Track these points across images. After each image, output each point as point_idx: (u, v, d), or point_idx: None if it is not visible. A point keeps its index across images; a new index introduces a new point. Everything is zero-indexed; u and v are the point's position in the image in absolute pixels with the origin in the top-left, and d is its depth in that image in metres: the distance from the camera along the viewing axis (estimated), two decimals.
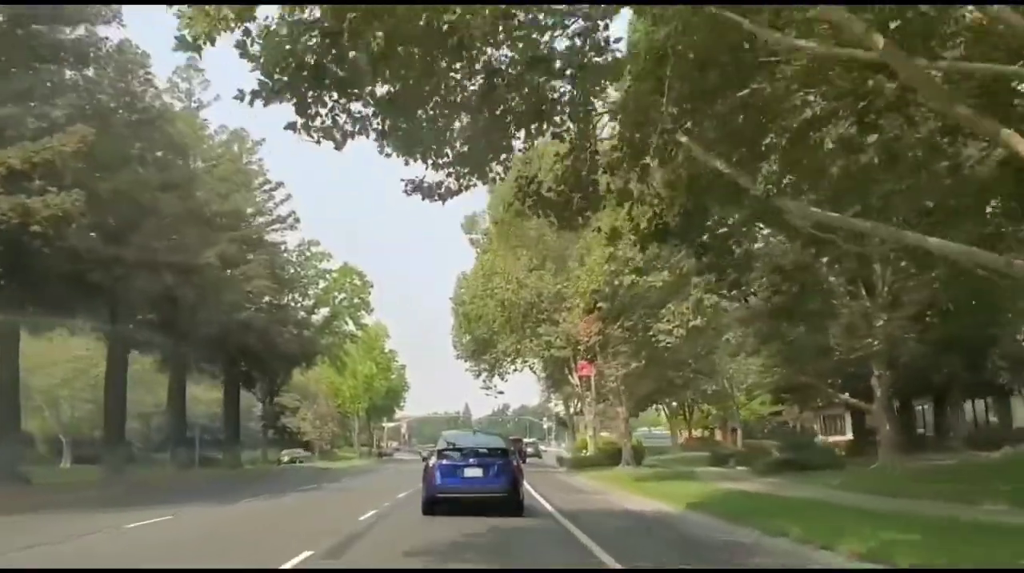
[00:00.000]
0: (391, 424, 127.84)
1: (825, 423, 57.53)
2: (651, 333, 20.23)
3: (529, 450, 59.17)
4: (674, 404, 61.30)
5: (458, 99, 8.60)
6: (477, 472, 14.22)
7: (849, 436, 47.51)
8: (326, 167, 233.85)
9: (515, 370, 52.57)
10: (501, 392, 53.98)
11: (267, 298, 37.21)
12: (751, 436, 74.03)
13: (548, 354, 33.85)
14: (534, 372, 57.89)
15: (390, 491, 22.16)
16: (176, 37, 6.64)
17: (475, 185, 10.93)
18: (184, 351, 30.10)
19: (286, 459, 50.06)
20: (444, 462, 14.38)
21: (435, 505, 14.18)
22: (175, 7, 6.65)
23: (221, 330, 30.17)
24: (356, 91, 7.89)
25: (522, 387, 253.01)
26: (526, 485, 16.79)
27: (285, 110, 7.87)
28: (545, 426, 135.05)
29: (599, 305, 21.91)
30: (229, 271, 30.19)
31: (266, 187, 40.57)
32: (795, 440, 30.94)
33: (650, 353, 22.22)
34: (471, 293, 40.21)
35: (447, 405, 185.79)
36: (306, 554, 9.43)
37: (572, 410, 56.58)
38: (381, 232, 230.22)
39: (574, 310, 33.10)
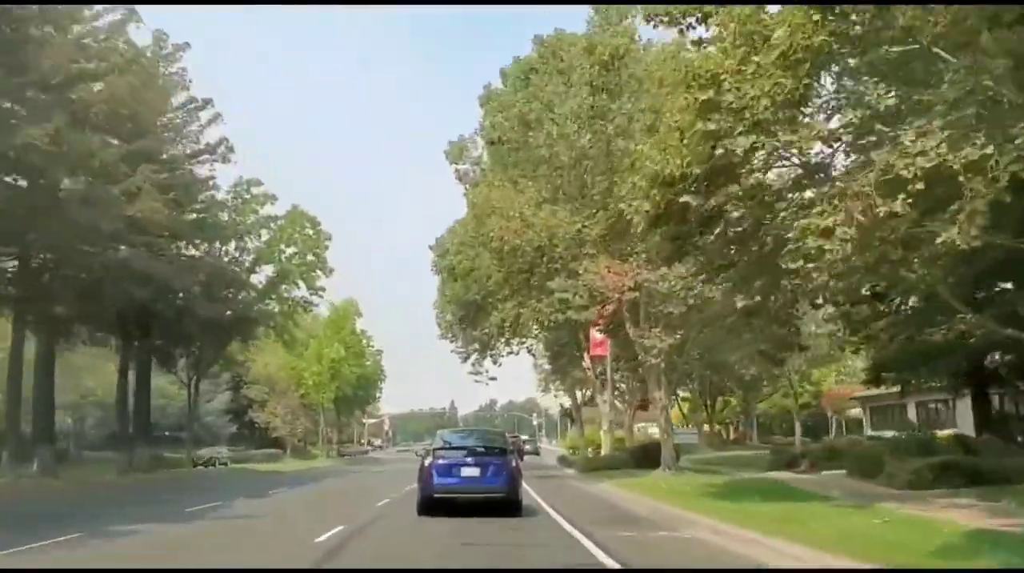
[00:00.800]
0: (372, 420, 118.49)
1: (873, 415, 48.54)
2: (782, 234, 10.80)
3: (527, 448, 56.37)
4: (699, 392, 52.06)
5: None
6: (474, 471, 13.73)
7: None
8: (279, 110, 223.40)
9: (510, 353, 43.33)
10: (493, 378, 44.66)
11: (181, 244, 27.53)
12: (770, 432, 65.11)
13: (564, 317, 24.44)
14: (532, 355, 48.59)
15: (321, 521, 12.82)
16: None
17: None
18: (36, 303, 20.39)
19: (204, 460, 40.84)
20: (441, 461, 13.91)
21: (431, 506, 13.57)
22: None
23: (87, 271, 20.52)
24: None
25: (510, 382, 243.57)
26: (544, 506, 15.61)
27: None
28: (535, 422, 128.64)
29: (684, 199, 12.37)
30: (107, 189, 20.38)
31: (190, 106, 30.78)
32: (919, 437, 21.65)
33: (770, 280, 12.79)
34: (459, 241, 30.74)
35: (432, 402, 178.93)
36: None
37: (581, 400, 47.38)
38: (351, 204, 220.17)
39: (600, 256, 23.89)
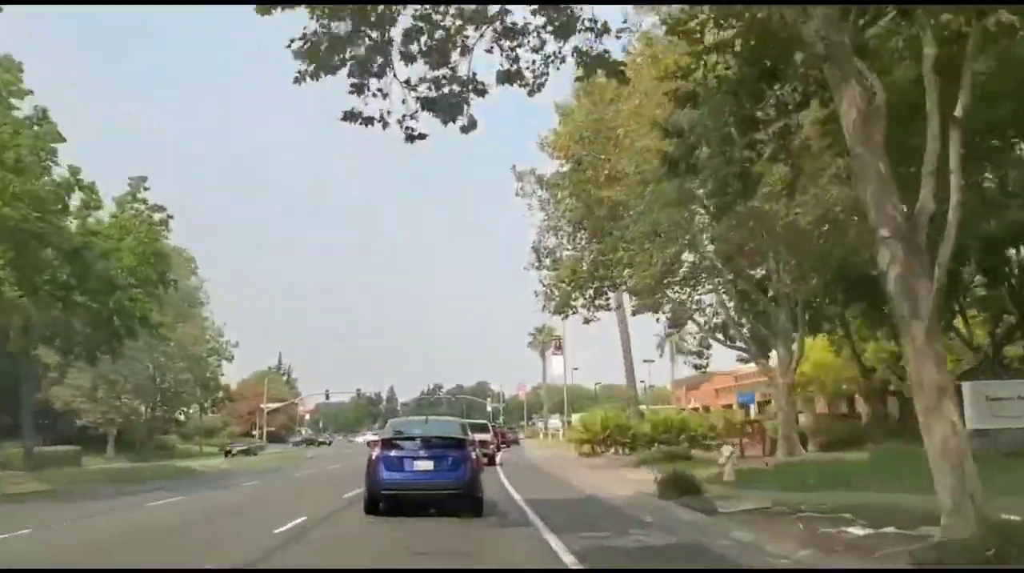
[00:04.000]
0: (273, 405, 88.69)
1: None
2: None
3: (510, 436, 52.07)
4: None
5: None
6: (428, 465, 13.05)
7: None
8: None
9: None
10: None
11: None
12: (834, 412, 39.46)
13: None
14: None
15: None
16: None
17: None
18: None
19: None
20: (390, 453, 13.20)
21: (379, 503, 13.00)
22: None
23: None
24: None
25: (464, 365, 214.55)
26: None
27: None
28: (489, 409, 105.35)
29: None
30: None
31: None
32: None
33: None
34: None
35: (364, 384, 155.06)
36: None
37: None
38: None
39: None
